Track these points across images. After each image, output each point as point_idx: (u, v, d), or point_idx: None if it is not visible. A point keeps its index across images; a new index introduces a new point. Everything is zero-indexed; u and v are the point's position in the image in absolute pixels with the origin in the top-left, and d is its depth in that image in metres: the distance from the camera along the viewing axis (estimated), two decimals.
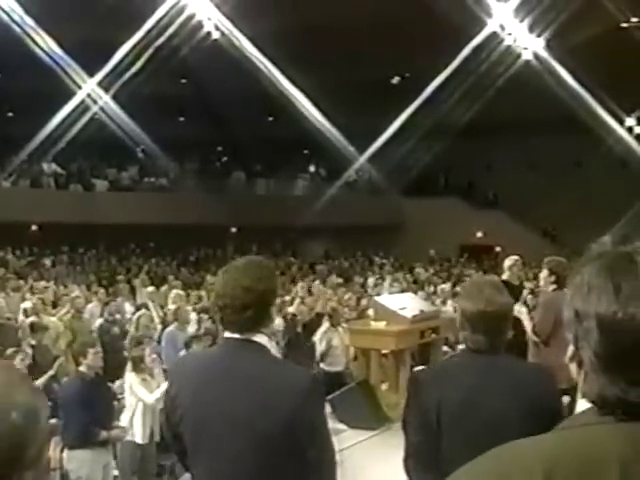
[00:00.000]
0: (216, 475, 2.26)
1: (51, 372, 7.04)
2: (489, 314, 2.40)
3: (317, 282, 14.42)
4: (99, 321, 9.71)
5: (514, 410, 2.34)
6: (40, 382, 6.83)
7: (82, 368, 5.65)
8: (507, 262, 7.52)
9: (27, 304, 9.98)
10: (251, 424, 2.18)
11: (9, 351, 6.52)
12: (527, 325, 5.87)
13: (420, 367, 7.93)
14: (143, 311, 9.55)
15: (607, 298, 0.96)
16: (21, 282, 13.09)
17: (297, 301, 10.31)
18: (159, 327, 9.23)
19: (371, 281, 16.05)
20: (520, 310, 6.04)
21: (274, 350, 8.14)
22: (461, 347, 2.52)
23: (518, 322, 6.16)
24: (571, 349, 1.02)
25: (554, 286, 5.91)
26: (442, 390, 2.41)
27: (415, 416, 2.46)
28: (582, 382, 1.00)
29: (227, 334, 2.31)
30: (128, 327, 9.69)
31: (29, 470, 1.07)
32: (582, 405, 1.01)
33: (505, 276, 7.34)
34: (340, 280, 16.29)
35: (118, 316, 9.78)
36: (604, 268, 0.99)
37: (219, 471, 2.24)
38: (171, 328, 8.67)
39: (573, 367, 1.02)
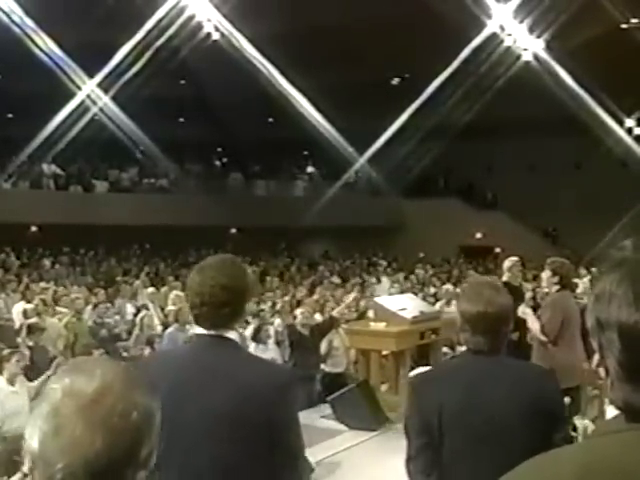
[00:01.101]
0: (191, 472, 2.23)
1: (49, 372, 7.02)
2: (489, 315, 2.40)
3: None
4: (88, 323, 9.72)
5: (515, 411, 2.34)
6: (39, 382, 6.82)
7: None
8: (507, 263, 7.54)
9: (27, 305, 9.97)
10: (228, 420, 2.18)
11: (5, 352, 6.51)
12: (534, 326, 5.86)
13: (420, 368, 7.94)
14: (146, 312, 9.56)
15: (628, 308, 0.96)
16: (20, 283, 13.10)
17: (285, 309, 10.33)
18: (159, 328, 9.24)
19: (370, 282, 16.06)
20: (525, 311, 6.03)
21: (275, 352, 8.07)
22: (461, 348, 2.53)
23: (522, 323, 6.16)
24: (596, 357, 1.02)
25: (557, 287, 5.91)
26: (443, 393, 2.41)
27: (416, 419, 2.46)
28: (609, 389, 1.00)
29: (200, 330, 2.34)
30: (117, 330, 9.74)
31: (143, 469, 1.12)
32: (611, 412, 1.01)
33: (505, 277, 7.36)
34: (339, 280, 16.32)
35: (107, 320, 9.81)
36: (625, 277, 0.98)
37: (194, 467, 2.22)
38: (171, 329, 8.68)
39: (602, 372, 1.02)
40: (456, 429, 2.36)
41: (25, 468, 1.10)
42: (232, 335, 2.33)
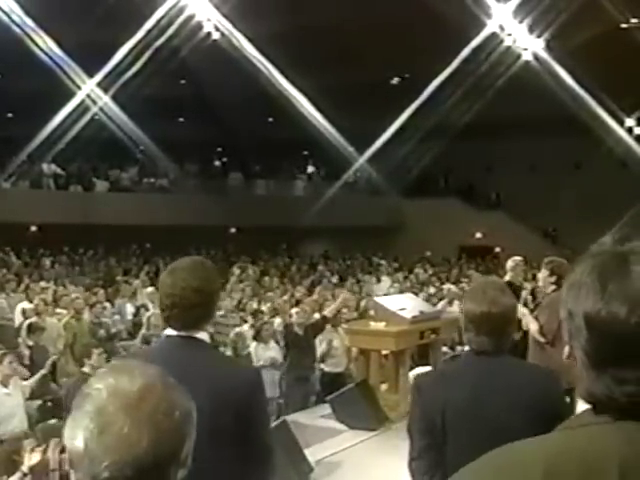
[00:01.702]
0: None
1: (43, 371, 7.01)
2: (493, 315, 2.40)
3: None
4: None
5: (518, 411, 2.34)
6: (32, 381, 6.81)
7: (86, 369, 5.63)
8: (510, 263, 7.50)
9: (27, 305, 9.97)
10: (200, 418, 2.19)
11: None
12: (531, 326, 5.84)
13: (419, 368, 7.93)
14: (153, 311, 9.56)
15: (593, 296, 0.97)
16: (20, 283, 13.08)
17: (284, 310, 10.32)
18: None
19: (370, 282, 16.06)
20: (522, 312, 6.01)
21: (276, 351, 8.05)
22: (461, 348, 2.53)
23: (518, 323, 6.15)
24: (567, 348, 1.03)
25: (554, 287, 5.89)
26: (446, 393, 2.41)
27: (420, 420, 2.46)
28: (578, 381, 1.01)
29: (170, 331, 2.38)
30: (114, 329, 9.73)
31: (183, 468, 1.15)
32: (582, 405, 1.01)
33: (508, 277, 7.33)
34: (338, 280, 16.30)
35: (104, 319, 9.83)
36: (595, 267, 1.00)
37: None
38: None
39: (573, 364, 1.03)
40: (460, 429, 2.36)
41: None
42: (202, 335, 2.38)
